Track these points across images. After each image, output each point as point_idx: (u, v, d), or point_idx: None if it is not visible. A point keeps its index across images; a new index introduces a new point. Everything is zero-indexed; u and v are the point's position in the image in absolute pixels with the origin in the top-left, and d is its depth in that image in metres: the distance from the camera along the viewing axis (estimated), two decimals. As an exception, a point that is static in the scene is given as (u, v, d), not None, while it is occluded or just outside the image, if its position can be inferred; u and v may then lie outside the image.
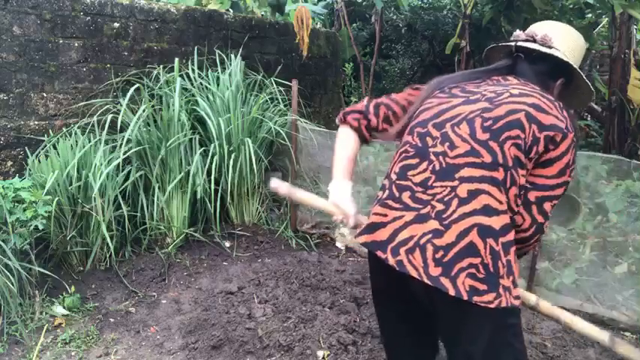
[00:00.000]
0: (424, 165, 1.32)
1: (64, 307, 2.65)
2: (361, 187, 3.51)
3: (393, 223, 1.31)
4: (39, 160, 2.89)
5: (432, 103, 1.43)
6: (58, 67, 3.20)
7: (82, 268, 2.99)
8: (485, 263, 1.21)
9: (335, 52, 5.35)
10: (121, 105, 3.23)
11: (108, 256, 3.03)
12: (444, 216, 1.25)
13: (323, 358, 2.31)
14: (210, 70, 3.74)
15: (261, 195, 3.80)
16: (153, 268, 3.09)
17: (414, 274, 1.24)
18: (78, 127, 3.18)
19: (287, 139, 3.66)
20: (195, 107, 3.53)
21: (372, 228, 1.34)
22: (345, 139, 1.60)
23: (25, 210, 2.53)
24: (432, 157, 1.32)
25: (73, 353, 2.36)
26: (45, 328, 2.47)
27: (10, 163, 3.04)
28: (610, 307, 2.72)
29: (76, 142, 3.02)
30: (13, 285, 2.40)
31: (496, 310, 1.21)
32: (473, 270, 1.21)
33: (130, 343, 2.45)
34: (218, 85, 3.62)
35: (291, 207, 3.81)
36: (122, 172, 3.12)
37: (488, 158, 1.27)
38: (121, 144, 3.12)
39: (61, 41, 3.19)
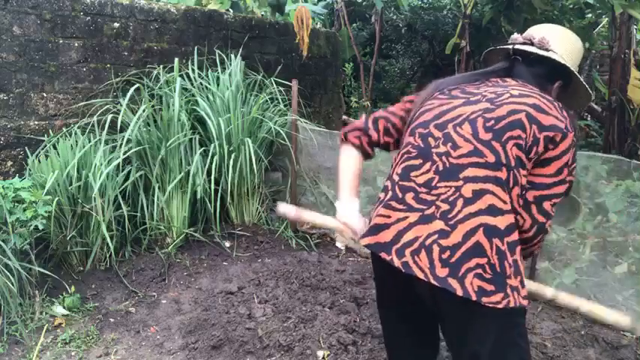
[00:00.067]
0: (427, 165, 1.32)
1: (64, 307, 2.65)
2: (361, 187, 3.50)
3: (396, 224, 1.30)
4: (39, 160, 2.89)
5: (432, 104, 1.43)
6: (58, 67, 3.20)
7: (82, 268, 2.99)
8: (492, 263, 1.21)
9: (335, 52, 5.35)
10: (121, 105, 3.23)
11: (108, 256, 3.03)
12: (450, 216, 1.25)
13: (323, 358, 2.31)
14: (210, 70, 3.74)
15: (261, 195, 3.80)
16: (153, 268, 3.09)
17: (420, 275, 1.24)
18: (78, 127, 3.18)
19: (287, 139, 3.66)
20: (195, 107, 3.53)
21: (376, 230, 1.34)
22: (349, 158, 1.61)
23: (25, 210, 2.53)
24: (435, 158, 1.32)
25: (73, 353, 2.36)
26: (45, 328, 2.46)
27: (10, 163, 3.04)
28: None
29: (76, 142, 3.02)
30: (13, 285, 2.40)
31: (504, 311, 1.21)
32: (480, 270, 1.21)
33: (130, 343, 2.45)
34: (218, 85, 3.62)
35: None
36: (122, 172, 3.12)
37: (491, 158, 1.27)
38: (121, 144, 3.12)
39: (61, 41, 3.19)
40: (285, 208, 1.65)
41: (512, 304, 1.21)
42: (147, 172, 3.30)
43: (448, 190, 1.27)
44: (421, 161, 1.34)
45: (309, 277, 3.00)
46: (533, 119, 1.29)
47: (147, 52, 3.61)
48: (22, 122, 3.07)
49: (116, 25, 3.43)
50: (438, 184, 1.29)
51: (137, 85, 3.39)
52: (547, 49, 1.46)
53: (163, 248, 3.28)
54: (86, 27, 3.29)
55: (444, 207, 1.26)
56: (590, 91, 1.53)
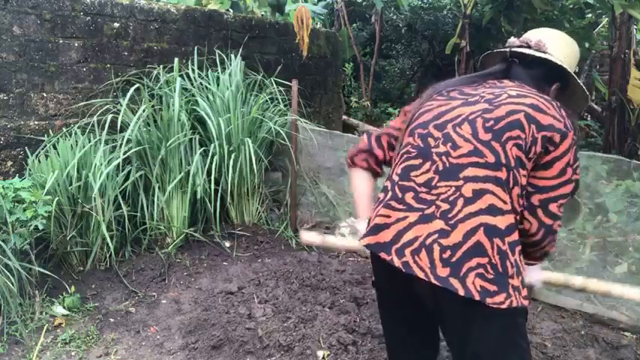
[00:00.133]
0: (427, 165, 1.33)
1: (64, 307, 2.65)
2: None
3: (396, 224, 1.31)
4: (39, 160, 2.89)
5: (431, 105, 1.43)
6: (58, 67, 3.20)
7: (82, 268, 2.99)
8: (494, 263, 1.21)
9: (335, 52, 5.35)
10: (121, 105, 3.23)
11: (108, 256, 3.03)
12: (450, 215, 1.25)
13: (323, 358, 2.31)
14: (210, 70, 3.74)
15: (261, 195, 3.80)
16: (153, 268, 3.09)
17: (420, 275, 1.24)
18: (78, 127, 3.18)
19: (287, 139, 3.66)
20: (195, 107, 3.53)
21: (376, 230, 1.34)
22: (360, 181, 1.64)
23: (25, 210, 2.53)
24: (435, 158, 1.32)
25: (73, 353, 2.36)
26: (45, 328, 2.46)
27: (10, 163, 3.04)
28: (610, 307, 2.72)
29: (76, 142, 3.02)
30: (13, 285, 2.40)
31: (506, 311, 1.21)
32: (481, 270, 1.21)
33: (130, 343, 2.45)
34: (218, 85, 3.62)
35: (291, 207, 3.82)
36: (122, 172, 3.12)
37: (491, 158, 1.27)
38: (121, 144, 3.12)
39: (61, 41, 3.19)
40: (308, 237, 1.69)
41: (514, 305, 1.21)
42: (147, 172, 3.30)
43: (448, 190, 1.27)
44: (421, 161, 1.34)
45: (309, 277, 3.00)
46: (531, 119, 1.29)
47: (147, 52, 3.61)
48: (22, 122, 3.08)
49: (116, 25, 3.43)
50: (438, 184, 1.29)
51: (137, 85, 3.39)
52: (544, 52, 1.47)
53: (163, 248, 3.28)
54: (86, 27, 3.29)
55: (444, 206, 1.26)
56: (588, 93, 1.53)
